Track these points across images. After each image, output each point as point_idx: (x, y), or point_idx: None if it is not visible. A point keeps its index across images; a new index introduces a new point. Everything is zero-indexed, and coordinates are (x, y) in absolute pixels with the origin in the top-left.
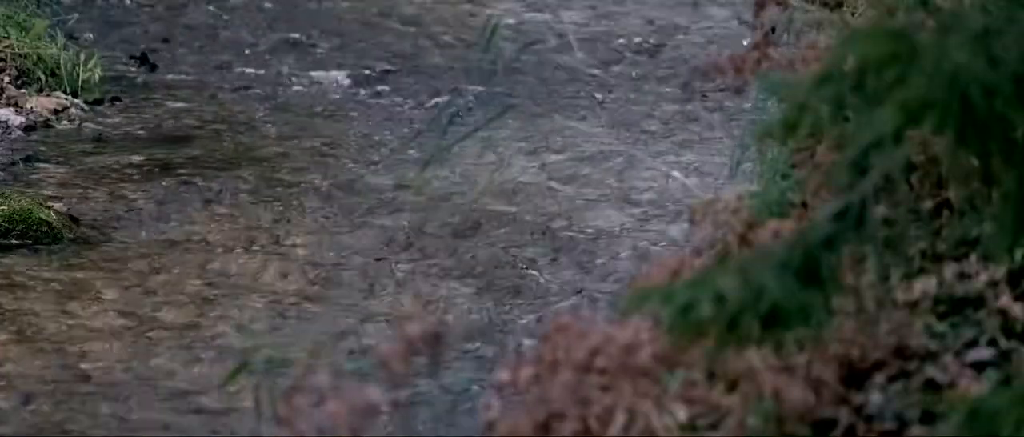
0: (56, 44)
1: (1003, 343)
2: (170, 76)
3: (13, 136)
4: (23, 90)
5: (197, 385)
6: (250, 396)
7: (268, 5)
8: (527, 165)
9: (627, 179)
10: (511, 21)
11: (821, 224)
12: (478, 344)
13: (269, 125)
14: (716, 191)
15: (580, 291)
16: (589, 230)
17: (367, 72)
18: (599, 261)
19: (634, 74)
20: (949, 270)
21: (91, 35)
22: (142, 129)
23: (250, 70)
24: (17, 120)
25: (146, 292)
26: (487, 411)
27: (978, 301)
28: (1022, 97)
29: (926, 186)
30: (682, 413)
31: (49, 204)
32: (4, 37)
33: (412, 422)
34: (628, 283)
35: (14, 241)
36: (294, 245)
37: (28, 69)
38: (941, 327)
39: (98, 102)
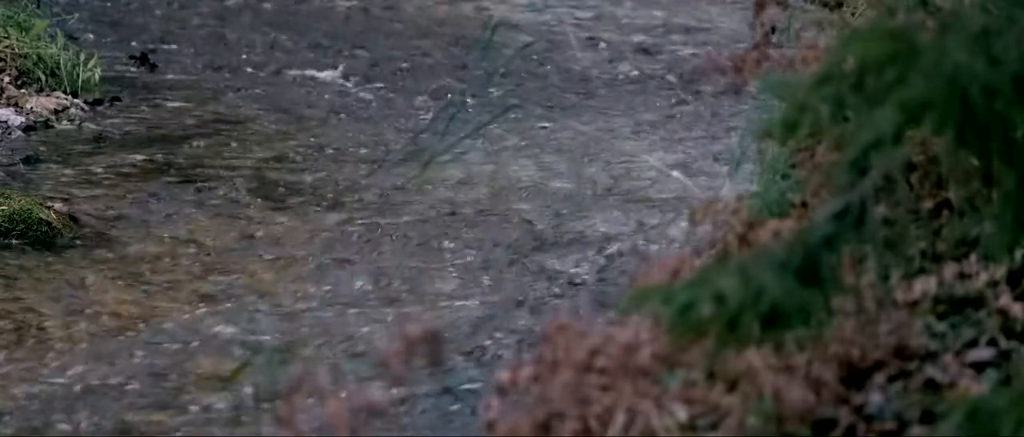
0: (56, 44)
1: (1003, 343)
2: (170, 76)
3: (13, 136)
4: (23, 90)
5: (197, 385)
6: (251, 395)
7: (267, 5)
8: (527, 164)
9: (627, 179)
10: (511, 21)
11: (821, 224)
12: (478, 344)
13: (269, 125)
14: (716, 191)
15: (579, 291)
16: (589, 230)
17: (367, 71)
18: (599, 261)
19: (634, 73)
20: (949, 270)
21: (91, 35)
22: (142, 129)
23: (250, 70)
24: (17, 120)
25: (146, 292)
26: (487, 411)
27: (978, 301)
28: (1022, 97)
29: (926, 186)
30: (682, 413)
31: (49, 204)
32: (4, 37)
33: (412, 422)
34: (628, 283)
35: (14, 241)
36: (294, 244)
37: (28, 69)
38: (941, 327)
39: (98, 102)
